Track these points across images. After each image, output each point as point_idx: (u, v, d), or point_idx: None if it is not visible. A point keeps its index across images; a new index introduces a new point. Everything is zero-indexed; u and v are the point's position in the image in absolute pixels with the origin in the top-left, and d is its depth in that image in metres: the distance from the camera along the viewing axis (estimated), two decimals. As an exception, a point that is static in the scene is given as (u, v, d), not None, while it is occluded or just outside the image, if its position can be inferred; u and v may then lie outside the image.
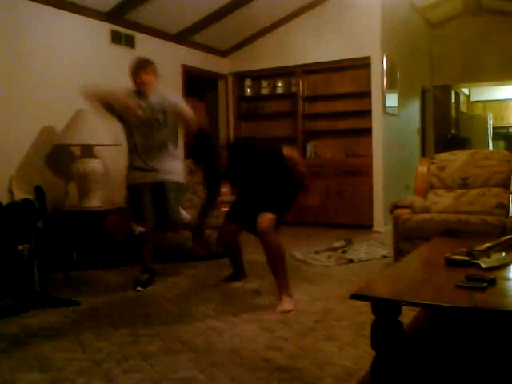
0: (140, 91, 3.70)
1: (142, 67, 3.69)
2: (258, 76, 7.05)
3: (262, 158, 3.34)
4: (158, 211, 3.71)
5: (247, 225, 3.44)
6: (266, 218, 3.18)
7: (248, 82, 7.14)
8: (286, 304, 3.15)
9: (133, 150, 3.74)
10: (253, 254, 4.81)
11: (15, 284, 3.56)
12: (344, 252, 4.75)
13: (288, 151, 3.32)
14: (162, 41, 5.82)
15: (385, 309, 1.77)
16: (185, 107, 3.73)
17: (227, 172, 3.47)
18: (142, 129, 3.66)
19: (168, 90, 3.92)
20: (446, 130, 9.13)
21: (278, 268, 3.25)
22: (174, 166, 3.80)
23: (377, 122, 6.16)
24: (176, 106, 3.71)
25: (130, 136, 3.74)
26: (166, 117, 3.70)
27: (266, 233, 3.17)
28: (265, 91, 7.05)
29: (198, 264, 4.44)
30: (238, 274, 3.88)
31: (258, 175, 3.43)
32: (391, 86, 6.36)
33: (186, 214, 3.97)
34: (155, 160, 3.70)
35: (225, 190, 5.14)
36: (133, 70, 3.72)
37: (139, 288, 3.67)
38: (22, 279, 3.52)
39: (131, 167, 3.78)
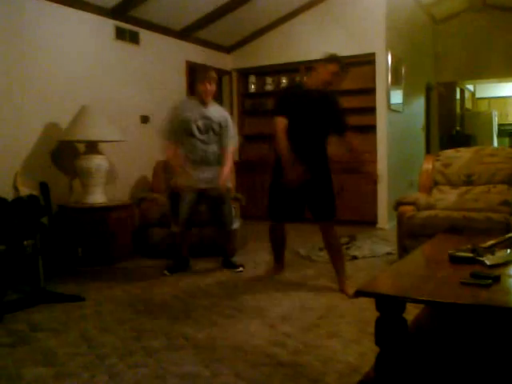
0: (202, 99, 3.94)
1: (209, 77, 3.91)
2: (262, 72, 7.04)
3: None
4: (213, 214, 4.15)
5: (297, 215, 3.67)
6: (332, 232, 3.55)
7: (252, 79, 7.13)
8: (350, 288, 3.30)
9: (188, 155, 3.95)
10: (258, 250, 4.83)
11: (20, 280, 3.58)
12: (348, 249, 4.74)
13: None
14: (166, 37, 5.82)
15: (389, 305, 1.77)
16: (232, 138, 4.08)
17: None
18: (200, 136, 3.92)
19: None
20: (450, 126, 9.10)
21: (340, 259, 3.59)
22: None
23: (381, 119, 6.14)
24: (229, 129, 4.05)
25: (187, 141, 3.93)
26: (222, 129, 3.99)
27: (335, 238, 3.58)
28: (269, 87, 7.04)
29: (201, 260, 4.44)
30: (280, 266, 3.91)
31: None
32: (396, 82, 6.33)
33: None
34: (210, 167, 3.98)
35: (229, 186, 5.15)
36: (200, 79, 3.92)
37: (166, 272, 3.99)
38: (27, 275, 3.54)
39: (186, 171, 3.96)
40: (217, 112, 4.02)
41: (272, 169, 3.68)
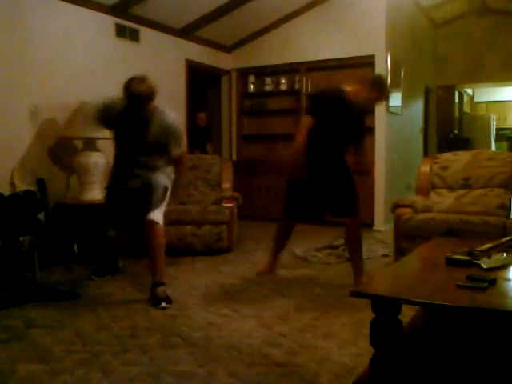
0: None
1: None
2: (261, 72, 7.04)
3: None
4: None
5: (314, 217, 3.80)
6: (357, 229, 3.64)
7: (252, 79, 7.12)
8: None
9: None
10: (254, 250, 4.83)
11: (16, 275, 3.57)
12: (344, 250, 4.73)
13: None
14: (167, 35, 5.82)
15: (384, 307, 1.77)
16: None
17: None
18: None
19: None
20: (448, 130, 9.11)
21: (358, 257, 3.69)
22: None
23: (380, 121, 6.14)
24: None
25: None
26: None
27: (357, 237, 3.65)
28: (268, 88, 7.04)
29: (198, 259, 4.44)
30: (273, 266, 3.95)
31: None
32: (395, 85, 6.34)
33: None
34: None
35: (226, 185, 5.15)
36: None
37: (93, 276, 3.78)
38: (23, 271, 3.53)
39: None
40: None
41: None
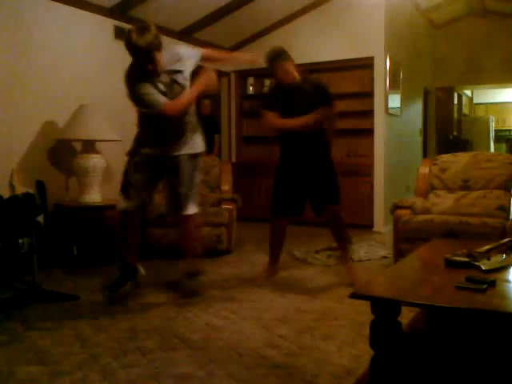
0: None
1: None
2: (260, 74, 7.04)
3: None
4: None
5: (298, 209, 3.73)
6: (339, 216, 3.72)
7: (251, 80, 7.13)
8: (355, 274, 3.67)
9: None
10: (254, 251, 4.82)
11: (15, 278, 3.57)
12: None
13: None
14: (166, 37, 5.79)
15: (384, 308, 1.77)
16: None
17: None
18: None
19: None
20: (447, 131, 9.12)
21: (345, 236, 3.82)
22: None
23: (379, 123, 6.15)
24: None
25: None
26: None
27: (340, 219, 3.73)
28: (267, 89, 7.04)
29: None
30: (274, 268, 3.90)
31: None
32: (394, 86, 6.35)
33: None
34: None
35: (225, 187, 5.15)
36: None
37: (106, 293, 3.17)
38: (22, 273, 3.52)
39: None
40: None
41: (277, 167, 3.78)
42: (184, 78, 3.14)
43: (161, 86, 3.05)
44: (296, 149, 3.66)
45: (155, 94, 3.00)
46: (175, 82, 3.09)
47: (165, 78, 3.07)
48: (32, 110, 4.32)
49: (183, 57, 3.14)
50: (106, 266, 4.23)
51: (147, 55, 2.87)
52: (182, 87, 3.12)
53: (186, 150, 3.25)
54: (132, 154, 3.31)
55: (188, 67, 3.16)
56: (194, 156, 3.30)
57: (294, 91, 3.61)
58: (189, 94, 3.10)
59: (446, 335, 2.03)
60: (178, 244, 3.50)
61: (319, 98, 3.59)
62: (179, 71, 3.10)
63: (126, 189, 3.26)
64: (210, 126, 6.09)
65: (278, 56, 3.62)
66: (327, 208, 3.65)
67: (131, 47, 2.84)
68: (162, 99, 3.01)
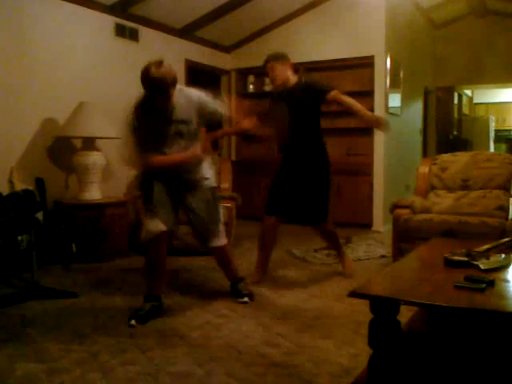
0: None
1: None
2: (261, 73, 7.01)
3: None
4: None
5: (293, 215, 3.74)
6: (328, 227, 3.78)
7: (251, 79, 7.12)
8: (350, 269, 3.86)
9: None
10: (253, 250, 4.83)
11: (14, 275, 3.57)
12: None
13: None
14: (166, 35, 5.81)
15: (383, 307, 1.77)
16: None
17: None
18: None
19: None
20: (447, 131, 9.12)
21: (338, 246, 3.93)
22: None
23: (379, 122, 6.14)
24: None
25: None
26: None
27: (331, 233, 3.83)
28: (268, 88, 7.03)
29: (196, 258, 4.43)
30: (262, 273, 3.78)
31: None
32: (394, 86, 6.34)
33: None
34: None
35: (225, 185, 5.15)
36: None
37: (133, 322, 2.82)
38: (21, 270, 3.52)
39: None
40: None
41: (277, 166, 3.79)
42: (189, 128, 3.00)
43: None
44: (292, 156, 3.66)
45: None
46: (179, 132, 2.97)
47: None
48: (32, 108, 4.32)
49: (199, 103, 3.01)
50: (104, 264, 4.25)
51: (163, 89, 2.78)
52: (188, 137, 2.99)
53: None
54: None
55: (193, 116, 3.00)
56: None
57: (285, 97, 3.62)
58: (170, 158, 2.95)
59: (445, 334, 2.03)
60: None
61: (313, 99, 3.61)
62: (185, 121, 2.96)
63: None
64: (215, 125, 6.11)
65: (274, 57, 3.64)
66: (318, 229, 3.82)
67: (149, 80, 2.75)
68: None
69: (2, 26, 4.07)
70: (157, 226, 2.92)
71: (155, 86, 2.75)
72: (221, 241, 3.22)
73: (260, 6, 5.92)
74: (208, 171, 3.18)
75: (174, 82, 2.82)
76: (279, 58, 3.65)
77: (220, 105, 3.12)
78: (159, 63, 2.77)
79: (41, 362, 2.35)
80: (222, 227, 3.23)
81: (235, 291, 3.32)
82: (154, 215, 2.94)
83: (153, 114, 2.89)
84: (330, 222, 3.79)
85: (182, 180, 3.07)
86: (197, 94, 3.02)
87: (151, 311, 2.93)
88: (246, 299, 3.22)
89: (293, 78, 3.68)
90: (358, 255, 4.61)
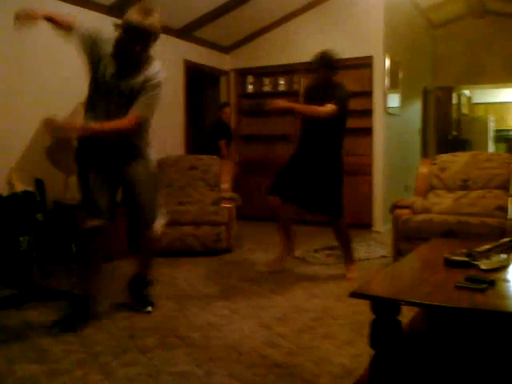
0: None
1: None
2: (260, 73, 7.04)
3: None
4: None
5: (298, 200, 3.79)
6: (341, 226, 3.86)
7: (250, 79, 7.13)
8: (350, 273, 3.81)
9: None
10: (253, 250, 4.82)
11: (14, 276, 3.57)
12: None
13: None
14: (165, 35, 5.77)
15: (384, 308, 1.77)
16: None
17: None
18: None
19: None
20: (447, 131, 9.12)
21: (344, 247, 3.95)
22: None
23: (378, 122, 6.15)
24: None
25: None
26: None
27: (343, 231, 3.88)
28: (267, 88, 7.04)
29: (197, 259, 4.43)
30: (288, 252, 4.04)
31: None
32: (393, 86, 6.35)
33: None
34: None
35: (225, 186, 5.15)
36: None
37: (57, 329, 2.68)
38: (21, 271, 3.52)
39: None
40: None
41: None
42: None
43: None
44: (308, 148, 3.82)
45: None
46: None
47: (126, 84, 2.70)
48: (31, 108, 4.31)
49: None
50: (105, 264, 4.23)
51: (146, 38, 2.60)
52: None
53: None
54: None
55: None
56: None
57: (319, 92, 3.84)
58: (99, 126, 2.71)
59: (446, 334, 2.03)
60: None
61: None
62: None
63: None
64: (220, 132, 6.10)
65: (327, 65, 3.83)
66: (331, 221, 3.85)
67: (132, 27, 2.56)
68: None
69: (1, 26, 4.07)
70: (92, 220, 2.79)
71: (137, 34, 2.56)
72: (156, 231, 2.92)
73: (259, 7, 5.92)
74: (151, 148, 2.93)
75: (156, 36, 2.65)
76: (331, 66, 3.87)
77: (139, 107, 2.76)
78: (149, 11, 2.60)
79: (41, 363, 2.34)
80: (160, 216, 2.94)
81: (138, 297, 3.06)
82: (89, 207, 2.82)
83: (116, 60, 2.69)
84: (344, 222, 3.86)
85: (123, 146, 2.82)
86: (151, 84, 2.77)
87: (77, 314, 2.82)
88: (149, 309, 3.02)
89: (334, 80, 3.86)
90: (359, 255, 4.60)
